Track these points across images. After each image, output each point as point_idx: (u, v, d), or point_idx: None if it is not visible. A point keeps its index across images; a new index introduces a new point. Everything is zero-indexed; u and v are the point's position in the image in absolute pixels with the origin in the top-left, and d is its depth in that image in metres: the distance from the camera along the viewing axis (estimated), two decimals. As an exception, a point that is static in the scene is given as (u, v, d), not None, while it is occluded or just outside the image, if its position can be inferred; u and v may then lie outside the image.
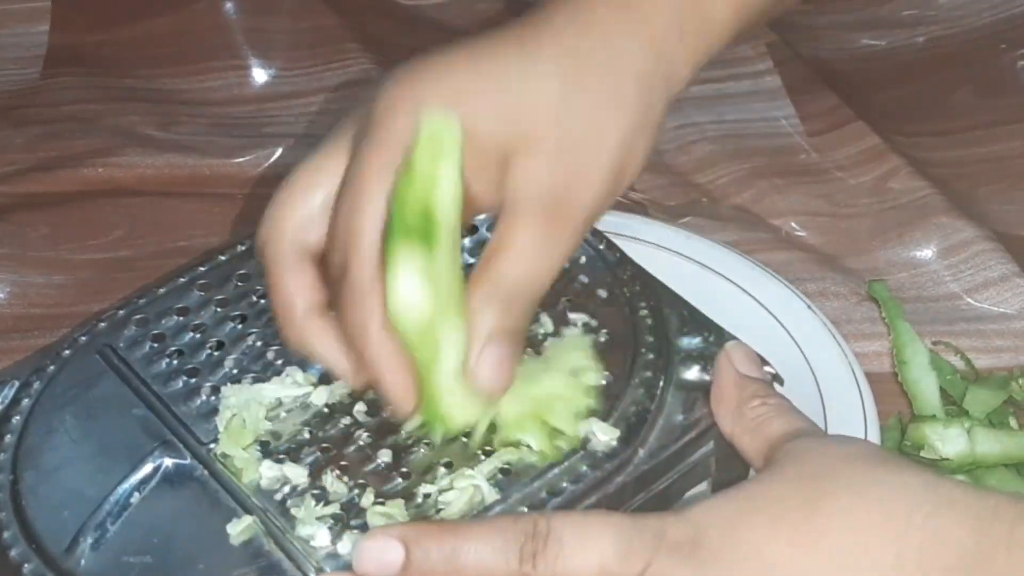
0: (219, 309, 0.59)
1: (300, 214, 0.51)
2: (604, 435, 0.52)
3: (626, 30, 0.51)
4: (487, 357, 0.49)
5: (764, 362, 0.54)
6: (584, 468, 0.52)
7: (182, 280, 0.60)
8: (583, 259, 0.59)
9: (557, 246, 0.50)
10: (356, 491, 0.51)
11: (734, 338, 0.56)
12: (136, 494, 0.52)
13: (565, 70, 0.50)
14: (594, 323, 0.56)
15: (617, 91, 0.51)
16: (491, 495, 0.51)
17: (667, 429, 0.53)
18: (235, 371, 0.56)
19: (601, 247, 0.60)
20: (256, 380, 0.55)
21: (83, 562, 0.50)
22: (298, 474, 0.51)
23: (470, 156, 0.49)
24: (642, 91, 0.51)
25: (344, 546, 0.49)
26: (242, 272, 0.60)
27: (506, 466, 0.52)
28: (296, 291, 0.51)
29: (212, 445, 0.53)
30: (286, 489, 0.51)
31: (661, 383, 0.55)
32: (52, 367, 0.57)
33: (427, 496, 0.51)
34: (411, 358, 0.49)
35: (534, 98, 0.50)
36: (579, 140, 0.50)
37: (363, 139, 0.50)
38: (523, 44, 0.51)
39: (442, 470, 0.52)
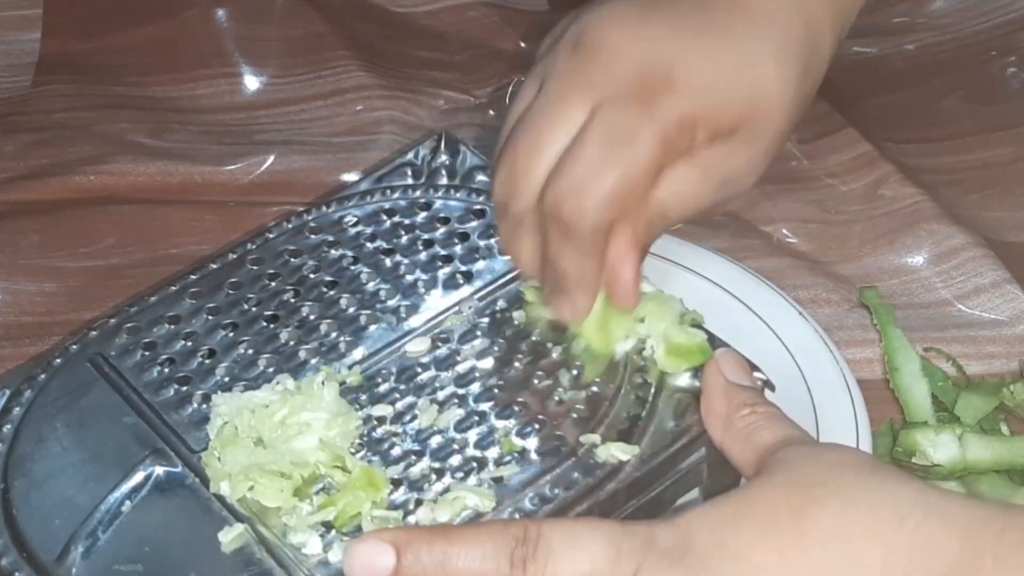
0: (210, 317, 0.59)
1: (545, 174, 0.54)
2: (624, 454, 0.52)
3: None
4: (626, 272, 0.54)
5: (754, 368, 0.55)
6: (575, 475, 0.52)
7: (173, 288, 0.60)
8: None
9: (710, 204, 0.56)
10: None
11: (725, 345, 0.56)
12: (127, 502, 0.52)
13: (800, 68, 0.55)
14: None
15: (815, 87, 0.57)
16: (483, 503, 0.51)
17: (658, 436, 0.54)
18: (226, 379, 0.56)
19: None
20: (247, 388, 0.55)
21: (74, 571, 0.50)
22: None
23: (702, 131, 0.53)
24: (821, 80, 0.58)
25: (335, 554, 0.49)
26: (233, 280, 0.60)
27: (498, 475, 0.52)
28: (538, 248, 0.55)
29: (203, 453, 0.53)
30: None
31: (652, 390, 0.55)
32: (43, 376, 0.57)
33: (420, 503, 0.51)
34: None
35: (777, 97, 0.55)
36: (783, 136, 0.56)
37: (636, 104, 0.52)
38: (742, 24, 0.55)
39: (433, 476, 0.52)
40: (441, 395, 0.55)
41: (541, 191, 0.53)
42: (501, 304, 0.59)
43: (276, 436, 0.52)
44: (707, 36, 0.54)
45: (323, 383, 0.54)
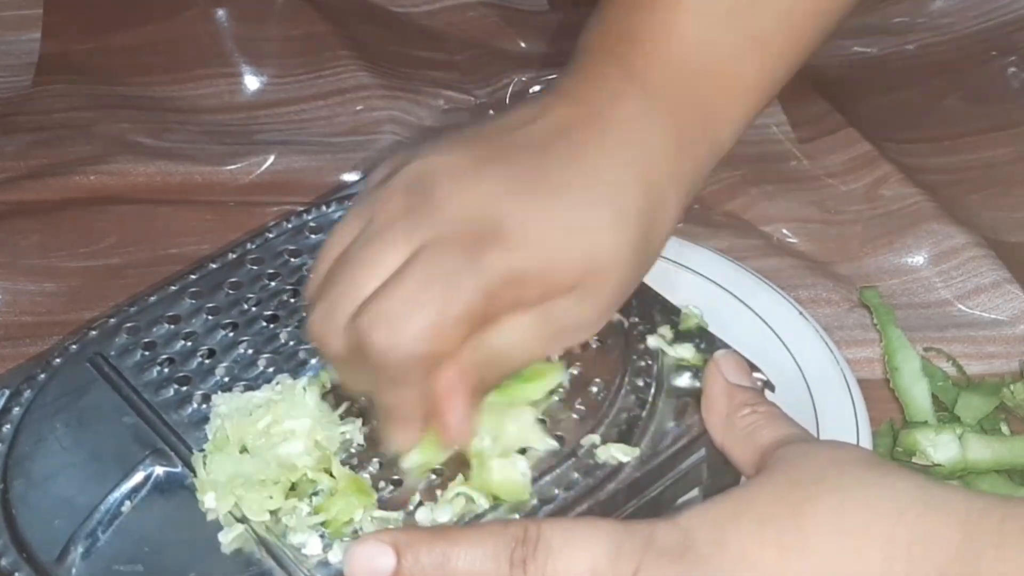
0: (210, 317, 0.59)
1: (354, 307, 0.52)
2: (624, 456, 0.52)
3: (660, 143, 0.55)
4: (455, 412, 0.52)
5: (754, 368, 0.54)
6: (575, 475, 0.52)
7: (173, 288, 0.60)
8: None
9: (543, 353, 0.55)
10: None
11: (725, 345, 0.56)
12: (127, 502, 0.52)
13: (639, 230, 0.54)
14: None
15: (658, 245, 0.56)
16: (482, 503, 0.51)
17: (658, 436, 0.53)
18: (226, 379, 0.56)
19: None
20: (247, 388, 0.55)
21: (74, 571, 0.50)
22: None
23: (532, 287, 0.52)
24: (668, 238, 0.57)
25: (335, 554, 0.49)
26: (233, 280, 0.60)
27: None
28: None
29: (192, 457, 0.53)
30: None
31: (652, 390, 0.55)
32: (43, 375, 0.57)
33: (420, 503, 0.51)
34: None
35: (614, 255, 0.53)
36: (626, 290, 0.55)
37: (461, 249, 0.51)
38: (580, 178, 0.53)
39: (433, 476, 0.52)
40: None
41: (352, 320, 0.51)
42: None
43: (260, 444, 0.52)
44: (542, 194, 0.53)
45: (304, 388, 0.54)
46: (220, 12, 0.91)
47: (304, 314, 0.58)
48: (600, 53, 0.57)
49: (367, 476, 0.52)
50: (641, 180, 0.54)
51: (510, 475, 0.51)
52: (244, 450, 0.53)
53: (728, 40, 0.57)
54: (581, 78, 0.57)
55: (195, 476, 0.52)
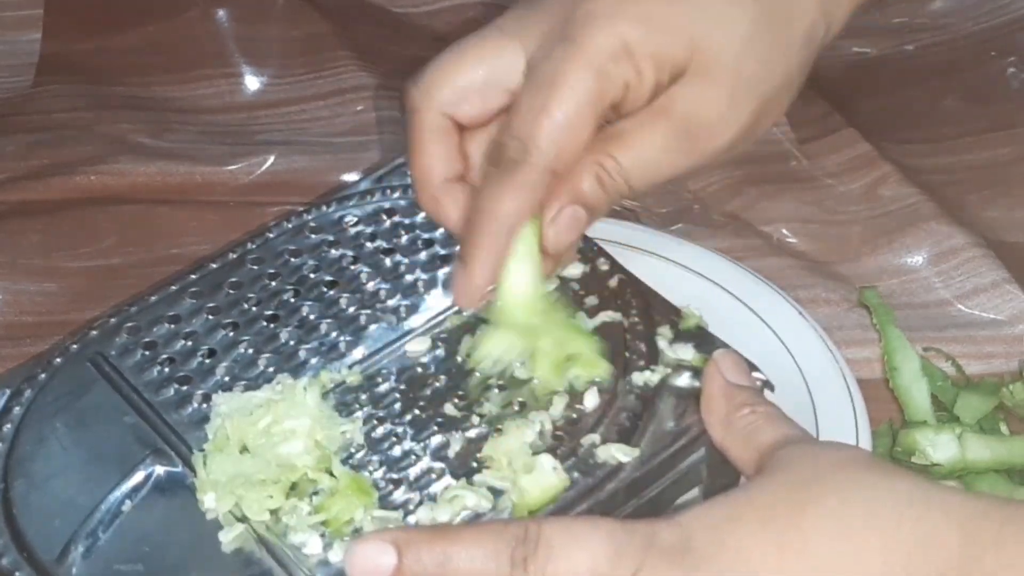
0: (211, 317, 0.59)
1: (458, 85, 0.54)
2: (624, 456, 0.52)
3: None
4: (567, 215, 0.53)
5: (754, 368, 0.55)
6: (575, 475, 0.52)
7: (174, 288, 0.60)
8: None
9: (678, 161, 0.53)
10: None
11: (725, 345, 0.56)
12: (127, 502, 0.52)
13: (761, 7, 0.53)
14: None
15: (789, 42, 0.54)
16: (483, 503, 0.51)
17: (658, 436, 0.53)
18: (226, 379, 0.56)
19: (592, 254, 0.60)
20: (247, 388, 0.55)
21: (74, 570, 0.50)
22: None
23: (645, 63, 0.51)
24: (806, 45, 0.54)
25: (335, 554, 0.50)
26: (234, 280, 0.60)
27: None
28: (438, 160, 0.54)
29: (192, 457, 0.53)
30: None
31: (652, 390, 0.55)
32: (43, 375, 0.57)
33: (420, 503, 0.51)
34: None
35: (725, 32, 0.52)
36: (749, 82, 0.53)
37: (559, 39, 0.52)
38: None
39: (432, 476, 0.52)
40: (441, 395, 0.55)
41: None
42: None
43: (261, 444, 0.52)
44: None
45: (305, 388, 0.54)
46: (220, 12, 0.91)
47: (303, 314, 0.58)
48: None
49: (367, 476, 0.52)
50: None
51: (544, 480, 0.51)
52: (244, 450, 0.53)
53: None
54: None
55: (195, 476, 0.52)
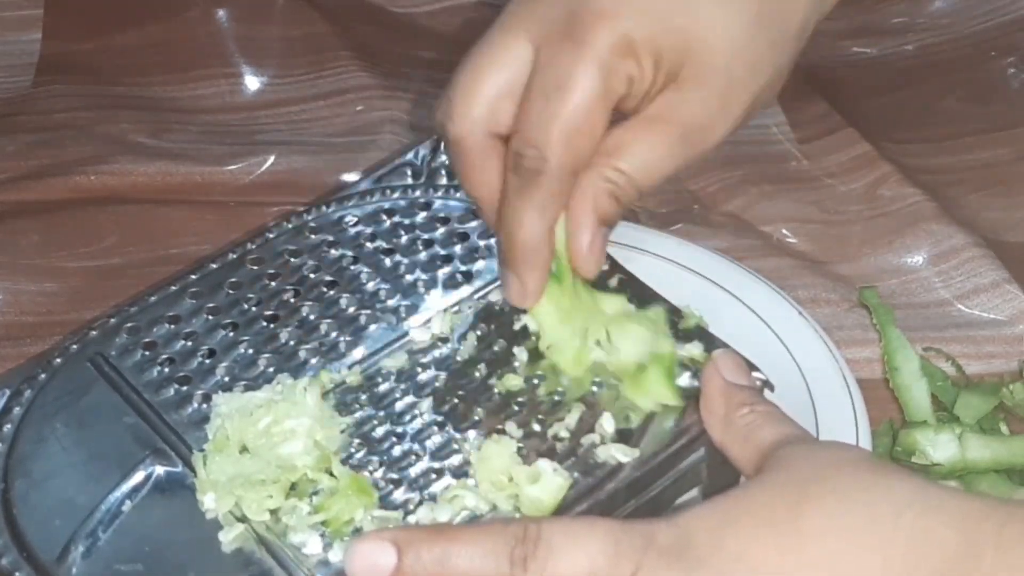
0: (210, 317, 0.59)
1: (488, 97, 0.54)
2: (624, 456, 0.52)
3: None
4: (598, 243, 0.54)
5: (753, 368, 0.55)
6: (575, 475, 0.52)
7: (174, 288, 0.60)
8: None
9: (677, 164, 0.54)
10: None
11: (724, 345, 0.56)
12: (127, 502, 0.52)
13: (754, 8, 0.53)
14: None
15: (781, 40, 0.54)
16: (482, 504, 0.51)
17: (658, 436, 0.53)
18: (226, 379, 0.56)
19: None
20: (247, 388, 0.55)
21: (74, 570, 0.50)
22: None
23: (645, 58, 0.52)
24: (797, 39, 0.55)
25: (335, 553, 0.50)
26: (233, 280, 0.60)
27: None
28: (493, 179, 0.54)
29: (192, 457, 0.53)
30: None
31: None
32: (43, 375, 0.57)
33: (420, 503, 0.51)
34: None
35: (719, 34, 0.52)
36: (741, 79, 0.53)
37: (566, 39, 0.52)
38: None
39: (432, 476, 0.52)
40: (439, 394, 0.55)
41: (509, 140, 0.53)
42: (500, 302, 0.59)
43: (261, 444, 0.52)
44: None
45: (305, 389, 0.54)
46: (220, 12, 0.92)
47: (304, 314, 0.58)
48: None
49: (367, 476, 0.52)
50: None
51: (551, 484, 0.51)
52: (244, 450, 0.53)
53: None
54: None
55: (195, 476, 0.52)
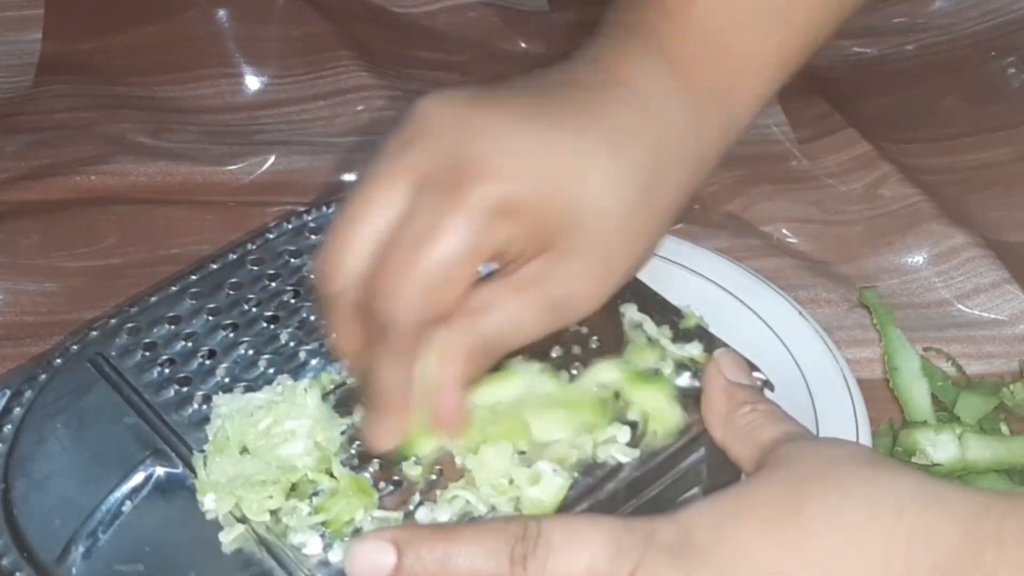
0: (211, 318, 0.59)
1: (361, 252, 0.51)
2: (624, 456, 0.52)
3: (672, 106, 0.53)
4: (452, 401, 0.51)
5: (754, 368, 0.55)
6: (575, 474, 0.52)
7: (174, 288, 0.60)
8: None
9: (542, 331, 0.52)
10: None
11: (724, 345, 0.56)
12: (128, 503, 0.52)
13: (638, 183, 0.52)
14: (584, 330, 0.57)
15: (663, 211, 0.53)
16: (481, 505, 0.51)
17: (658, 435, 0.53)
18: (227, 380, 0.56)
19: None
20: (248, 389, 0.55)
21: (74, 571, 0.50)
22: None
23: (525, 221, 0.50)
24: (678, 211, 0.54)
25: (335, 554, 0.50)
26: (234, 281, 0.60)
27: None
28: (360, 337, 0.52)
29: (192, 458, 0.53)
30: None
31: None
32: (43, 376, 0.57)
33: (420, 503, 0.51)
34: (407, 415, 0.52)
35: (606, 204, 0.51)
36: (617, 254, 0.53)
37: (442, 192, 0.50)
38: (579, 118, 0.52)
39: (432, 476, 0.52)
40: None
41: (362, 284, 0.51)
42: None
43: (261, 445, 0.52)
44: (536, 127, 0.51)
45: (305, 390, 0.54)
46: (220, 12, 0.92)
47: (310, 303, 0.58)
48: (623, 22, 0.55)
49: (367, 476, 0.52)
50: (649, 134, 0.52)
51: (552, 485, 0.51)
52: (245, 451, 0.53)
53: (750, 10, 0.55)
54: (600, 43, 0.55)
55: (195, 476, 0.52)
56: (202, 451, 0.53)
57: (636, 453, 0.53)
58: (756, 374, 0.55)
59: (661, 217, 0.54)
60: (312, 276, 0.53)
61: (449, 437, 0.52)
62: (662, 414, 0.53)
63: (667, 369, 0.55)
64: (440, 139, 0.51)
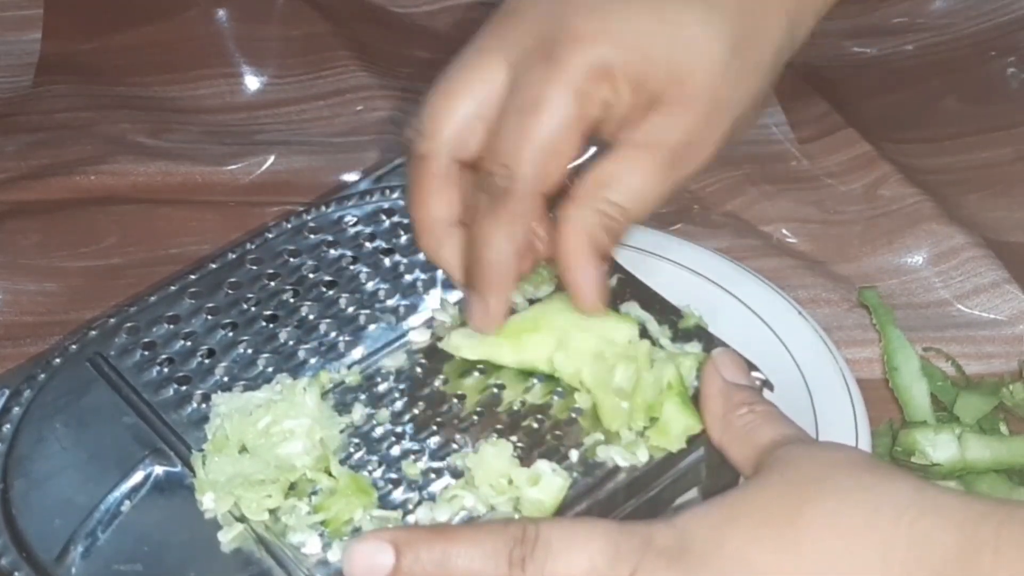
0: (210, 317, 0.59)
1: (459, 120, 0.53)
2: (624, 461, 0.52)
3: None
4: (589, 276, 0.53)
5: (753, 368, 0.55)
6: (574, 475, 0.52)
7: (173, 288, 0.60)
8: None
9: (668, 189, 0.54)
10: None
11: (724, 345, 0.56)
12: (127, 502, 0.52)
13: (734, 33, 0.53)
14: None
15: (759, 66, 0.55)
16: (480, 505, 0.51)
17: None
18: (226, 379, 0.56)
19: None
20: (247, 388, 0.55)
21: (73, 570, 0.50)
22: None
23: (623, 84, 0.52)
24: (775, 66, 0.55)
25: (334, 553, 0.50)
26: (233, 280, 0.60)
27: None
28: (444, 206, 0.54)
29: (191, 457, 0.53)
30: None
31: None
32: (43, 375, 0.57)
33: (419, 503, 0.51)
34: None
35: (701, 59, 0.52)
36: (723, 105, 0.54)
37: (542, 61, 0.52)
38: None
39: (432, 476, 0.52)
40: (441, 395, 0.55)
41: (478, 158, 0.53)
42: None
43: (260, 444, 0.52)
44: None
45: (304, 389, 0.54)
46: (220, 12, 0.91)
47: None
48: None
49: (366, 475, 0.52)
50: None
51: (551, 485, 0.51)
52: (243, 450, 0.53)
53: None
54: None
55: (194, 476, 0.52)
56: (201, 450, 0.53)
57: (635, 459, 0.52)
58: (755, 374, 0.55)
59: (759, 69, 0.55)
60: (406, 139, 0.54)
61: (590, 313, 0.54)
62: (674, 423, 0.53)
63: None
64: (535, 13, 0.52)
